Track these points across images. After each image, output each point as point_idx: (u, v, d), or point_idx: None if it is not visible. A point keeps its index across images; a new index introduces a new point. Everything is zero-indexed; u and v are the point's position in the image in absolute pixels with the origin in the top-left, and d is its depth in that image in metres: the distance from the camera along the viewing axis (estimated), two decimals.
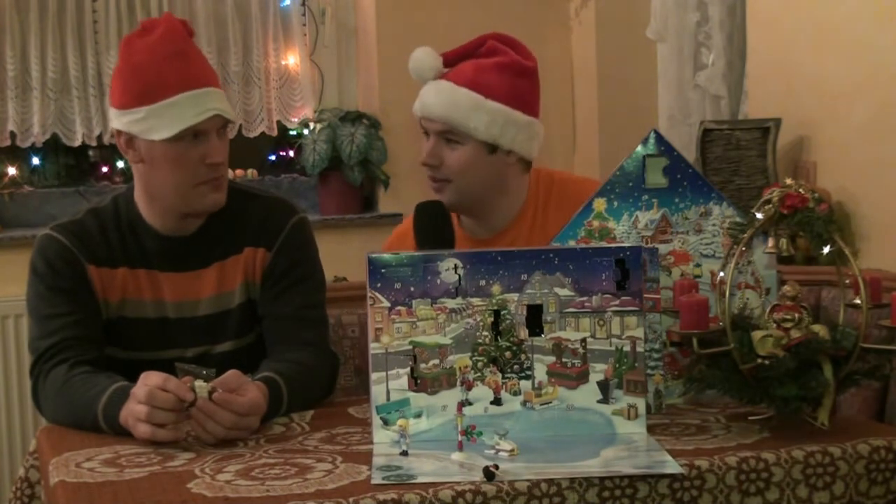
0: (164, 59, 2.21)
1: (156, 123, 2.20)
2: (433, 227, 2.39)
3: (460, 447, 1.89)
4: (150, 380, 1.97)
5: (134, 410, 1.97)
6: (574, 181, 2.63)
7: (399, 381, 1.99)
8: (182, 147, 2.21)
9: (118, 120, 2.25)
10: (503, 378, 2.00)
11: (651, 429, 2.01)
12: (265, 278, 2.33)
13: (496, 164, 2.49)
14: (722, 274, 2.03)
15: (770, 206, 2.01)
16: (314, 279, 2.38)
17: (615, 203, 2.21)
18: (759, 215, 2.02)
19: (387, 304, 1.99)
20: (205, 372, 1.99)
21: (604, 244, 2.17)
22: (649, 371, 2.07)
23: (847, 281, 2.07)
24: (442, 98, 2.46)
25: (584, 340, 2.01)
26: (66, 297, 2.25)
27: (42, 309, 2.26)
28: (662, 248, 2.18)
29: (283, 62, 4.51)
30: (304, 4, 4.56)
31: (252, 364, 2.20)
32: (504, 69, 2.46)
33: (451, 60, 2.50)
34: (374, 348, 2.00)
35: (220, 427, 1.96)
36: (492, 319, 2.00)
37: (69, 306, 2.24)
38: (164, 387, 1.95)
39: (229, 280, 2.33)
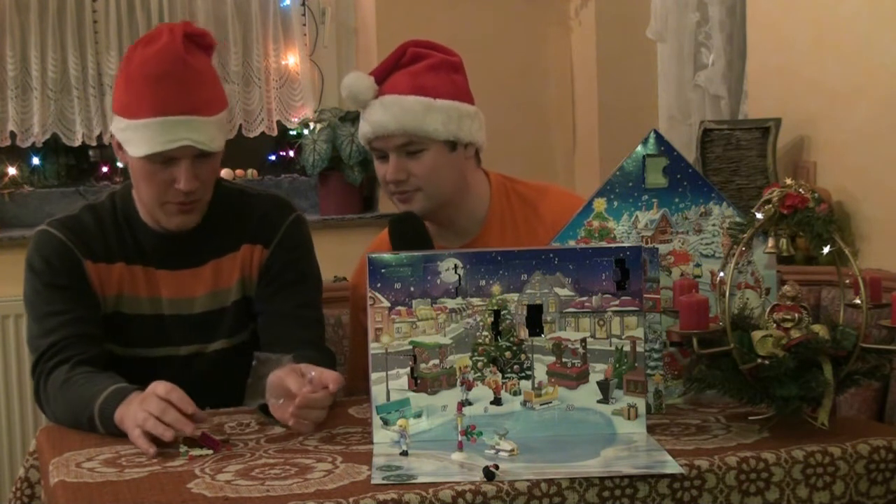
0: (146, 79, 2.17)
1: (132, 138, 2.19)
2: (413, 239, 2.36)
3: (460, 447, 1.89)
4: (159, 390, 1.98)
5: (137, 417, 1.97)
6: (532, 187, 2.61)
7: (399, 381, 1.99)
8: (152, 168, 2.20)
9: (112, 122, 2.26)
10: (503, 378, 2.00)
11: (651, 429, 2.01)
12: (262, 275, 2.33)
13: (458, 160, 2.47)
14: (722, 274, 2.03)
15: (770, 206, 2.01)
16: (311, 278, 2.38)
17: (615, 203, 2.21)
18: (759, 215, 2.02)
19: (387, 304, 1.99)
20: (283, 359, 2.04)
21: (604, 244, 2.17)
22: (649, 371, 2.07)
23: (847, 281, 2.07)
24: (392, 112, 2.40)
25: (584, 340, 2.01)
26: (64, 293, 2.24)
27: (40, 306, 2.26)
28: (662, 248, 2.18)
29: (283, 62, 4.50)
30: (304, 4, 4.55)
31: (245, 363, 2.20)
32: (438, 69, 2.45)
33: (380, 76, 2.45)
34: (374, 348, 2.00)
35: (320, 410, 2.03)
36: (492, 319, 2.00)
37: (68, 303, 2.24)
38: (168, 399, 1.96)
39: (225, 277, 2.33)
